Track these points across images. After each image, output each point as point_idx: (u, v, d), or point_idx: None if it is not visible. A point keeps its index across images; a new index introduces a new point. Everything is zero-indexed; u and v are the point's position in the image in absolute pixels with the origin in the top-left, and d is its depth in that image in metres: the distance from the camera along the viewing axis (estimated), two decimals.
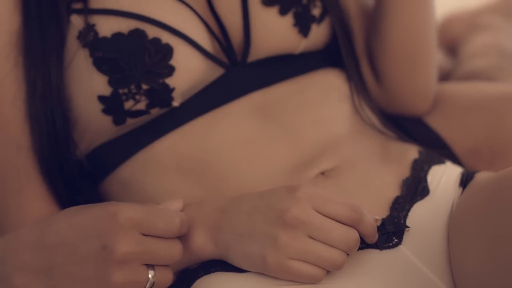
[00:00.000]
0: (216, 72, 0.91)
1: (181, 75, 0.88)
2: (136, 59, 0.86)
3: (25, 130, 0.89)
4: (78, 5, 0.90)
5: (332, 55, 1.01)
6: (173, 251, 0.79)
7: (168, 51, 0.87)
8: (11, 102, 0.88)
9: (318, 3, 0.97)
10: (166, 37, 0.88)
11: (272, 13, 0.94)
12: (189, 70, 0.89)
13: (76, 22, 0.89)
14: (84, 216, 0.79)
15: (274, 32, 0.93)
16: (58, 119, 0.88)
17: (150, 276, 0.78)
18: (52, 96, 0.88)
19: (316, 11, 0.96)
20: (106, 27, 0.88)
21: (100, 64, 0.87)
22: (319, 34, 0.97)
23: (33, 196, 0.90)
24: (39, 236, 0.79)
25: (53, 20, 0.89)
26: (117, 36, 0.87)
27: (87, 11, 0.89)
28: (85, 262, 0.77)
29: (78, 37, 0.88)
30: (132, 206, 0.78)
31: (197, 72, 0.90)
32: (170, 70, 0.88)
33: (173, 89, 0.88)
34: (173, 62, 0.88)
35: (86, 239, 0.77)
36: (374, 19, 1.03)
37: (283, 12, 0.94)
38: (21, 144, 0.89)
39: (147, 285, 0.78)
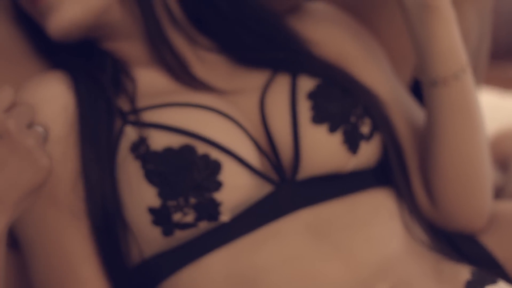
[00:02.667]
0: (265, 189, 0.92)
1: (228, 190, 0.89)
2: (185, 173, 0.88)
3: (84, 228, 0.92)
4: (133, 117, 0.93)
5: (382, 172, 1.01)
6: None
7: (216, 167, 0.89)
8: (69, 192, 0.92)
9: (367, 121, 0.98)
10: (215, 154, 0.90)
11: (321, 131, 0.95)
12: (237, 186, 0.90)
13: (130, 133, 0.92)
14: None
15: (324, 150, 0.95)
16: (112, 220, 0.91)
17: None
18: (107, 201, 0.91)
19: (365, 129, 0.97)
20: (158, 141, 0.90)
21: (150, 177, 0.89)
22: (368, 151, 0.98)
23: None
24: None
25: (107, 130, 0.92)
26: (168, 150, 0.89)
27: (141, 124, 0.92)
28: None
29: (131, 149, 0.91)
30: None
31: (245, 188, 0.91)
32: (218, 186, 0.89)
33: (220, 204, 0.89)
34: (221, 177, 0.89)
35: None
36: (425, 141, 1.03)
37: (332, 129, 0.95)
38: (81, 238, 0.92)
39: None
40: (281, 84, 0.98)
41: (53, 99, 0.93)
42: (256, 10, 1.04)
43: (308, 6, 1.13)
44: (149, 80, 0.99)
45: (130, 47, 1.00)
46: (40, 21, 0.99)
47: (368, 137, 0.98)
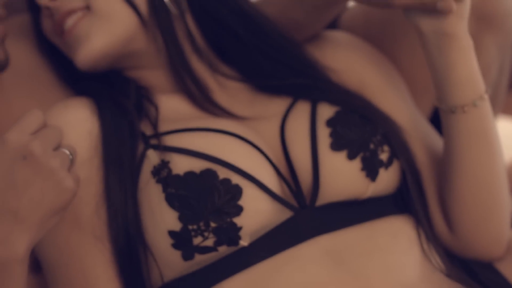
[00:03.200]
0: (285, 214, 0.93)
1: (249, 215, 0.90)
2: (206, 197, 0.89)
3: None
4: (155, 141, 0.94)
5: (400, 199, 1.01)
6: None
7: (237, 191, 0.90)
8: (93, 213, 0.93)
9: (386, 148, 0.99)
10: (236, 179, 0.91)
11: (340, 157, 0.96)
12: (257, 211, 0.91)
13: (152, 157, 0.93)
14: None
15: (342, 176, 0.96)
16: (134, 244, 0.92)
17: None
18: (130, 224, 0.92)
19: (383, 156, 0.98)
20: (180, 165, 0.91)
21: (171, 200, 0.90)
22: (387, 178, 0.99)
23: None
24: None
25: (130, 154, 0.94)
26: (190, 174, 0.90)
27: (162, 148, 0.93)
28: None
29: (153, 172, 0.92)
30: None
31: (265, 213, 0.92)
32: (238, 210, 0.90)
33: (240, 228, 0.90)
34: (241, 202, 0.90)
35: None
36: (443, 168, 1.04)
37: (351, 156, 0.96)
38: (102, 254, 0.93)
39: None
40: (301, 111, 1.00)
41: (78, 123, 0.95)
42: (275, 38, 1.05)
43: (328, 34, 1.15)
44: (172, 106, 1.01)
45: (153, 75, 1.03)
46: (67, 52, 1.03)
47: (387, 164, 0.98)
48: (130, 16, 0.99)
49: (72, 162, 0.88)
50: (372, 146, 0.97)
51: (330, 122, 0.98)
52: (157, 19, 1.00)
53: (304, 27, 1.10)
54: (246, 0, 1.06)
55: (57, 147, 0.87)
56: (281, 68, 1.04)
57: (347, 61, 1.09)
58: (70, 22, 0.99)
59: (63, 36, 1.00)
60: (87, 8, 0.99)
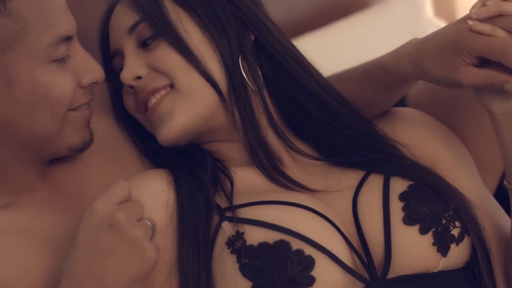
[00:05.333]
0: (356, 286, 0.94)
1: (321, 286, 0.91)
2: (279, 268, 0.91)
3: None
4: (229, 213, 0.97)
5: (470, 273, 1.01)
6: None
7: (310, 262, 0.91)
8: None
9: (458, 224, 0.99)
10: (309, 250, 0.92)
11: (412, 232, 0.97)
12: (329, 282, 0.92)
13: (227, 228, 0.96)
14: None
15: (414, 251, 0.96)
16: None
17: None
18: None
19: (455, 231, 0.99)
20: (254, 236, 0.93)
21: (245, 270, 0.92)
22: (457, 253, 0.99)
23: None
24: None
25: (204, 225, 0.96)
26: (264, 245, 0.92)
27: (237, 220, 0.95)
28: None
29: (227, 243, 0.94)
30: None
31: (337, 284, 0.93)
32: (311, 281, 0.91)
33: None
34: (314, 273, 0.91)
35: None
36: (511, 246, 1.04)
37: (423, 231, 0.97)
38: None
39: None
40: (374, 185, 1.01)
41: (155, 194, 0.99)
42: (346, 115, 1.07)
43: (397, 110, 1.16)
44: (246, 179, 1.03)
45: (229, 148, 1.06)
46: (149, 128, 1.07)
47: (458, 240, 0.99)
48: (211, 94, 1.03)
49: (153, 232, 0.91)
50: (444, 221, 0.98)
51: (403, 196, 0.99)
52: (235, 96, 1.03)
53: (375, 104, 1.12)
54: (317, 79, 1.08)
55: (139, 219, 0.91)
56: (353, 144, 1.06)
57: (417, 136, 1.11)
58: (153, 100, 1.04)
59: (147, 113, 1.05)
60: (171, 86, 1.03)
